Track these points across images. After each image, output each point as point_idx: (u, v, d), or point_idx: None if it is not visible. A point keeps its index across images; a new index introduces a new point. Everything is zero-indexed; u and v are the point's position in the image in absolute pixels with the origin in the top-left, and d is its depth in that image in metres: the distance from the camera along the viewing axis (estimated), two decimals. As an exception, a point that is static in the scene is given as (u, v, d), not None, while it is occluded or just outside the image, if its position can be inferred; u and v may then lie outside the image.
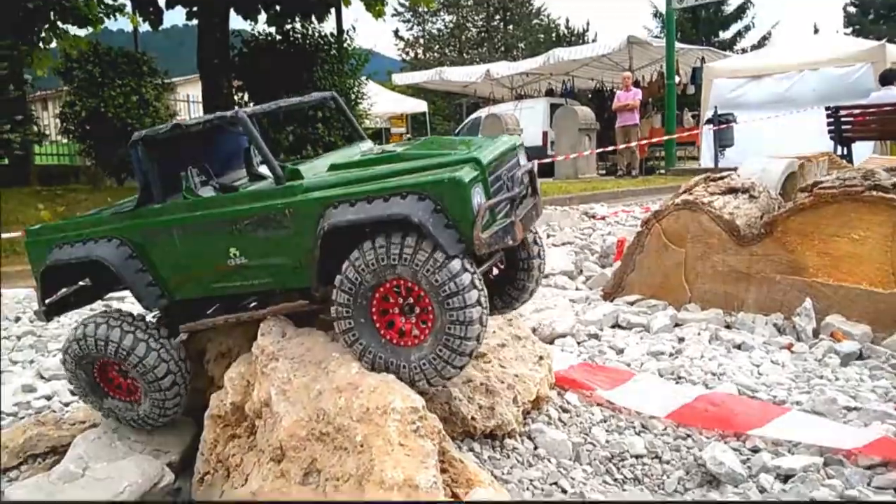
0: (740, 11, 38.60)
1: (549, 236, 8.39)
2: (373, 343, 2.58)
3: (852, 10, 43.55)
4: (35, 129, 14.40)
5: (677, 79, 18.35)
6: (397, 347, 2.58)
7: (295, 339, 2.64)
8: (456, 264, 2.47)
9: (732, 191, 5.63)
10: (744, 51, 34.50)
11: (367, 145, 3.40)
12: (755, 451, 3.03)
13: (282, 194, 2.70)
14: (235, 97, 15.09)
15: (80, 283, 3.29)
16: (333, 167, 2.88)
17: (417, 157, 2.77)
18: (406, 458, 2.14)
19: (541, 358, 3.46)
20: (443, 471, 2.32)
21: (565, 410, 3.42)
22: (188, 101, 20.26)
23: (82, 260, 3.01)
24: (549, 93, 23.22)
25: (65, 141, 17.25)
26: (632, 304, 5.24)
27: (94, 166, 15.76)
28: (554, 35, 42.31)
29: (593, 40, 37.52)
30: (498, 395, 3.14)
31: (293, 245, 2.70)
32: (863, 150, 11.90)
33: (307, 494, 2.28)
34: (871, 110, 11.35)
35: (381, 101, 20.56)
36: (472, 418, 3.03)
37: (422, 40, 43.98)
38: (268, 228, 2.70)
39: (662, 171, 17.03)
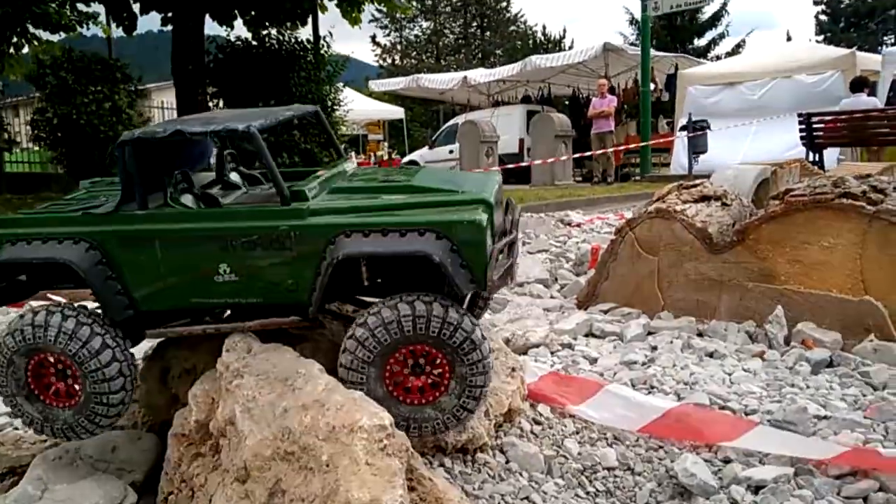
0: (715, 19, 38.97)
1: (524, 244, 8.36)
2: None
3: (824, 18, 44.21)
4: (5, 136, 14.17)
5: (652, 86, 18.47)
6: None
7: (261, 354, 2.59)
8: (468, 323, 2.63)
9: (705, 198, 5.65)
10: (718, 58, 34.83)
11: (350, 165, 3.40)
12: (727, 461, 3.02)
13: (287, 216, 2.67)
14: (210, 104, 14.95)
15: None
16: (336, 190, 2.89)
17: (426, 191, 2.84)
18: (372, 478, 2.10)
19: (513, 370, 3.43)
20: (411, 489, 2.28)
21: (537, 423, 3.39)
22: (162, 108, 20.03)
23: (45, 261, 2.82)
24: (526, 100, 23.28)
25: (36, 148, 16.99)
26: (605, 312, 5.23)
27: (66, 174, 15.53)
28: (531, 42, 42.46)
29: (570, 47, 37.70)
30: (469, 408, 3.10)
31: (293, 267, 2.68)
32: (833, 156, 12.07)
33: (272, 515, 2.23)
34: (842, 117, 11.49)
35: (357, 108, 20.46)
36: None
37: (399, 46, 43.98)
38: (267, 248, 2.66)
39: (637, 178, 17.12)
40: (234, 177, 3.51)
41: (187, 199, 3.01)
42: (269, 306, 2.81)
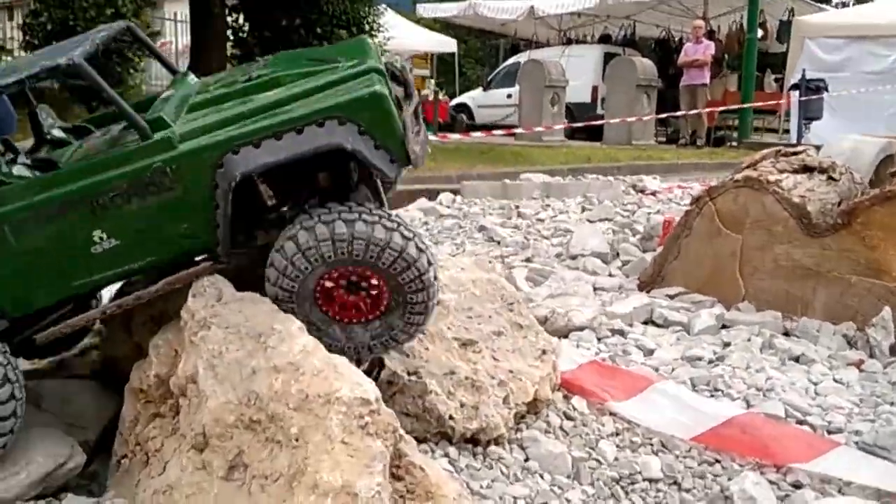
0: (846, -42, 37.78)
1: (584, 210, 8.26)
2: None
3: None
4: (-9, 40, 14.42)
5: (760, 33, 17.97)
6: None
7: (233, 304, 2.56)
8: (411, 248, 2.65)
9: (808, 169, 5.46)
10: (844, 5, 33.68)
11: (193, 78, 3.29)
12: (797, 486, 2.93)
13: (155, 150, 2.57)
14: (229, 18, 14.98)
15: None
16: (196, 107, 2.79)
17: (301, 76, 2.77)
18: (347, 460, 2.07)
19: (543, 352, 3.37)
20: (397, 478, 2.25)
21: (569, 418, 3.34)
22: (175, 21, 20.17)
23: None
24: (605, 39, 22.88)
25: (28, 57, 17.27)
26: (672, 297, 5.12)
27: (58, 88, 15.76)
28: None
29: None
30: (485, 392, 3.06)
31: (181, 208, 2.61)
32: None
33: (229, 492, 2.21)
34: None
35: (401, 36, 20.29)
36: (451, 417, 2.96)
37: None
38: (144, 196, 2.57)
39: (734, 143, 16.75)
40: (58, 133, 3.28)
41: (21, 170, 2.81)
42: (172, 264, 2.76)
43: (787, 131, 16.26)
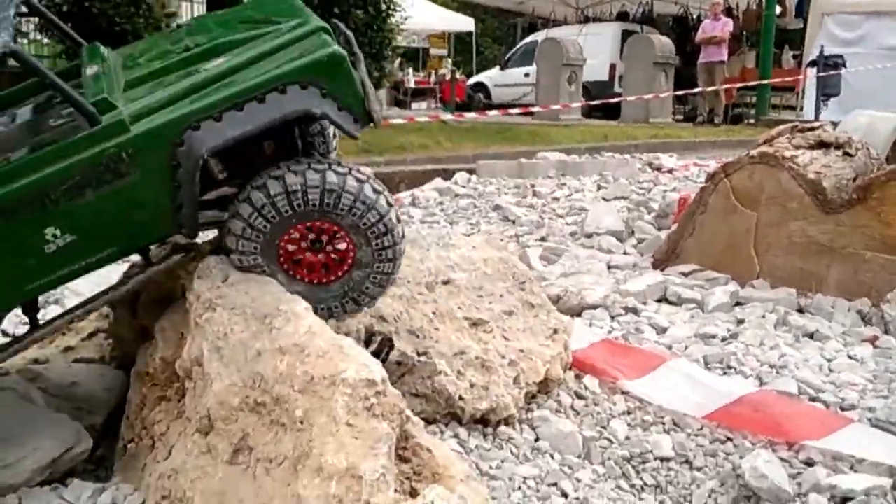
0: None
1: (599, 188, 8.19)
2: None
3: None
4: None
5: (778, 9, 17.71)
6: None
7: (239, 285, 2.52)
8: (382, 200, 2.59)
9: (823, 145, 5.37)
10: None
11: (105, 50, 3.05)
12: (809, 464, 2.88)
13: (107, 135, 2.40)
14: None
15: None
16: (134, 83, 2.65)
17: (244, 41, 2.68)
18: (352, 442, 2.03)
19: (555, 332, 3.33)
20: (404, 460, 2.21)
21: (580, 397, 3.30)
22: (192, 1, 20.13)
23: None
24: (623, 16, 22.67)
25: (46, 41, 17.29)
26: (686, 275, 5.05)
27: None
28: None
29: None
30: (495, 372, 3.02)
31: (141, 193, 2.47)
32: None
33: (234, 476, 2.19)
34: None
35: (419, 15, 20.12)
36: (461, 398, 2.92)
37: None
38: (99, 186, 2.40)
39: (751, 121, 16.56)
40: None
41: None
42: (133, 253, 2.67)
43: (804, 108, 16.06)
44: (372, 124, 2.66)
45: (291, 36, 2.63)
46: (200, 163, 2.43)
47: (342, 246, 2.61)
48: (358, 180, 2.56)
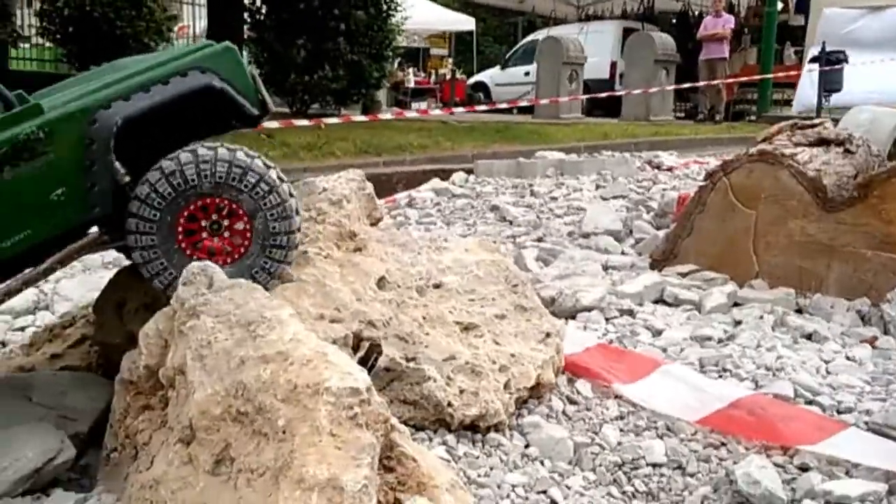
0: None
1: (598, 187, 8.15)
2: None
3: None
4: (10, 27, 14.38)
5: (780, 5, 17.65)
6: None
7: (224, 291, 2.49)
8: (273, 174, 2.75)
9: (824, 142, 5.34)
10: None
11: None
12: (804, 469, 2.83)
13: (25, 117, 2.56)
14: (246, 1, 14.89)
15: None
16: (43, 94, 2.84)
17: (144, 60, 2.93)
18: (335, 453, 1.99)
19: (548, 335, 3.28)
20: (388, 469, 2.17)
21: (572, 402, 3.25)
22: (193, 4, 20.11)
23: None
24: (624, 14, 22.62)
25: (47, 45, 17.26)
26: (684, 275, 5.02)
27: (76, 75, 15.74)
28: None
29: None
30: (486, 377, 2.98)
31: (56, 171, 2.60)
32: None
33: (215, 487, 2.15)
34: None
35: (419, 15, 20.10)
36: (449, 404, 2.88)
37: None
38: (17, 164, 2.52)
39: (753, 118, 16.53)
40: None
41: None
42: (42, 243, 2.68)
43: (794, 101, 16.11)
44: (264, 112, 2.96)
45: (191, 47, 2.97)
46: (114, 131, 2.60)
47: (237, 220, 2.76)
48: (229, 150, 2.70)
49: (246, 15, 14.64)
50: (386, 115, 11.40)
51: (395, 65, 19.26)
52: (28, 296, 4.40)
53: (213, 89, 2.76)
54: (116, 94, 2.66)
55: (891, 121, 7.33)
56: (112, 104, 2.64)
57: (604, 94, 15.32)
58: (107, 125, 2.60)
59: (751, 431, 3.03)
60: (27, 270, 2.79)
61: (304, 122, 9.76)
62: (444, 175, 8.83)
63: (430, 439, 2.88)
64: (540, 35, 20.41)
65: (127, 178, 2.67)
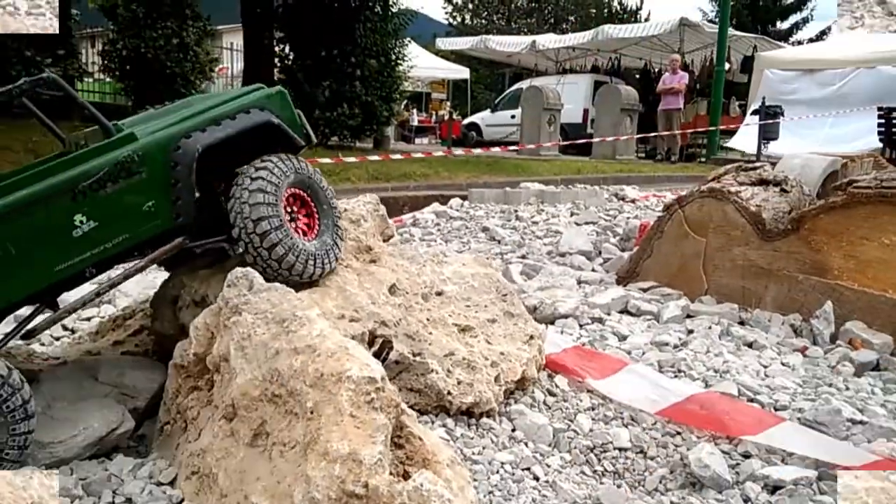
0: (801, 2, 37.14)
1: (572, 214, 8.17)
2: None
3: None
4: (77, 64, 14.37)
5: (727, 66, 17.78)
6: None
7: (263, 293, 2.50)
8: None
9: (763, 182, 5.36)
10: (799, 43, 33.26)
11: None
12: (746, 456, 2.85)
13: (123, 143, 2.65)
14: (276, 48, 14.94)
15: None
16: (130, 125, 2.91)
17: (210, 98, 3.07)
18: (355, 431, 2.00)
19: (531, 337, 3.29)
20: (399, 446, 2.18)
21: (552, 394, 3.25)
22: (231, 49, 20.15)
23: None
24: (595, 69, 22.73)
25: (107, 80, 17.24)
26: (645, 290, 5.03)
27: (132, 106, 15.74)
28: (606, 11, 41.12)
29: (646, 19, 36.46)
30: (479, 371, 2.99)
31: (147, 188, 2.68)
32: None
33: (253, 457, 2.15)
34: (925, 113, 10.85)
35: (422, 65, 20.26)
36: (449, 393, 2.88)
37: (471, 5, 43.04)
38: (117, 181, 2.60)
39: (703, 160, 16.59)
40: None
41: None
42: (137, 245, 2.74)
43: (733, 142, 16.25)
44: (308, 143, 3.12)
45: (248, 89, 3.10)
46: (197, 154, 2.71)
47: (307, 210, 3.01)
48: None
49: (276, 60, 14.69)
50: (396, 156, 11.39)
51: (402, 106, 19.31)
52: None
53: (271, 124, 2.90)
54: (195, 126, 2.77)
55: (819, 165, 7.37)
56: (192, 134, 2.74)
57: (582, 141, 15.41)
58: (189, 151, 2.70)
59: (702, 423, 3.04)
60: (130, 264, 2.87)
61: (327, 160, 9.66)
62: (443, 200, 8.84)
63: (433, 422, 2.88)
64: (524, 84, 20.52)
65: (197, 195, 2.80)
